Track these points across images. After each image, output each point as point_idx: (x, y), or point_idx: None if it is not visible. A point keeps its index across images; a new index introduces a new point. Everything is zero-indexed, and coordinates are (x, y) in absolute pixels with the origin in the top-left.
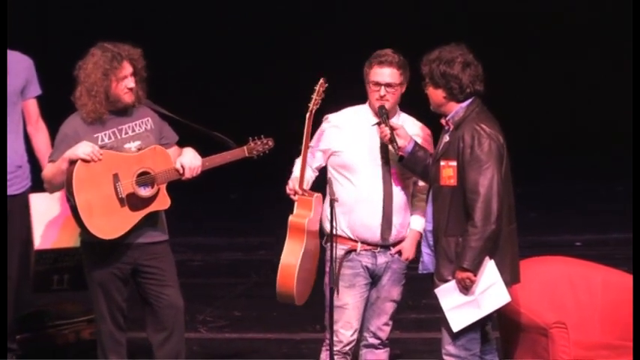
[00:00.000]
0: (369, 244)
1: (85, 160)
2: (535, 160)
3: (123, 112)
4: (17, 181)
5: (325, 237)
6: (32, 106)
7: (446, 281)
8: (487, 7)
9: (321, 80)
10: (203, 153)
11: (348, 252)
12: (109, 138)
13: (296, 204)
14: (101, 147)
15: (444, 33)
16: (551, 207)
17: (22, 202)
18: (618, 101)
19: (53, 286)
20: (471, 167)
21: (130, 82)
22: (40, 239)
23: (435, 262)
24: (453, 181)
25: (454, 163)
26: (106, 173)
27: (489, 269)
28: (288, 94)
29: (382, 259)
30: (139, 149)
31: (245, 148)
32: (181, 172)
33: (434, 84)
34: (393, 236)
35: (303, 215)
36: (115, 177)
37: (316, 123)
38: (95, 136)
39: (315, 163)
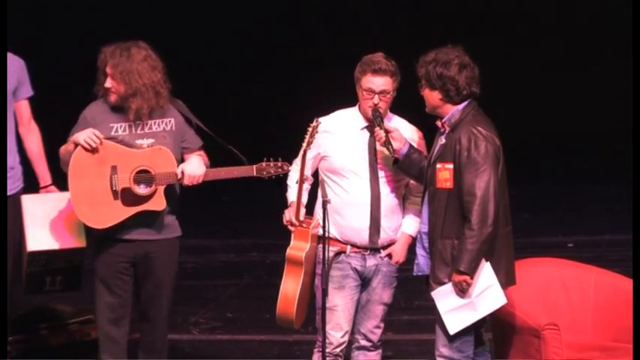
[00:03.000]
0: (357, 247)
1: (84, 147)
2: (527, 161)
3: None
4: (9, 182)
5: (317, 239)
6: (24, 107)
7: (442, 284)
8: (484, 8)
9: (315, 122)
10: (220, 162)
11: (338, 254)
12: (124, 130)
13: (293, 235)
14: (112, 137)
15: (440, 34)
16: (544, 208)
17: (14, 203)
18: (613, 102)
19: (45, 287)
20: (468, 170)
21: (108, 83)
22: (32, 241)
23: (431, 264)
24: (449, 184)
25: (450, 166)
26: (104, 163)
27: (486, 272)
28: (285, 95)
29: (372, 261)
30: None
31: (254, 167)
32: (179, 177)
33: (430, 86)
34: (382, 239)
35: (301, 248)
36: (113, 169)
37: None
38: (110, 125)
39: (308, 170)
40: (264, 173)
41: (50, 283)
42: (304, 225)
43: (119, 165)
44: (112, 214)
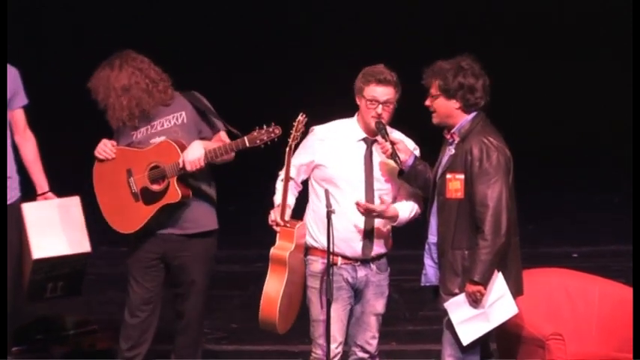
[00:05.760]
0: (348, 258)
1: (100, 159)
2: (532, 171)
3: (156, 108)
4: (7, 191)
5: (308, 250)
6: (19, 116)
7: (453, 294)
8: (482, 9)
9: (300, 116)
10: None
11: (332, 265)
12: (142, 134)
13: (278, 235)
14: (129, 143)
15: (439, 37)
16: (548, 218)
17: (13, 212)
18: (615, 112)
19: (47, 294)
20: (480, 180)
21: None
22: (37, 249)
23: (440, 275)
24: (460, 194)
25: (461, 176)
26: (120, 169)
27: (498, 282)
28: (288, 100)
29: (362, 272)
30: None
31: (246, 138)
32: (181, 166)
33: (447, 95)
34: (374, 251)
35: (285, 247)
36: (129, 172)
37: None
38: (131, 133)
39: (299, 177)
40: (258, 142)
41: (51, 289)
42: (288, 225)
43: (133, 167)
44: (137, 216)
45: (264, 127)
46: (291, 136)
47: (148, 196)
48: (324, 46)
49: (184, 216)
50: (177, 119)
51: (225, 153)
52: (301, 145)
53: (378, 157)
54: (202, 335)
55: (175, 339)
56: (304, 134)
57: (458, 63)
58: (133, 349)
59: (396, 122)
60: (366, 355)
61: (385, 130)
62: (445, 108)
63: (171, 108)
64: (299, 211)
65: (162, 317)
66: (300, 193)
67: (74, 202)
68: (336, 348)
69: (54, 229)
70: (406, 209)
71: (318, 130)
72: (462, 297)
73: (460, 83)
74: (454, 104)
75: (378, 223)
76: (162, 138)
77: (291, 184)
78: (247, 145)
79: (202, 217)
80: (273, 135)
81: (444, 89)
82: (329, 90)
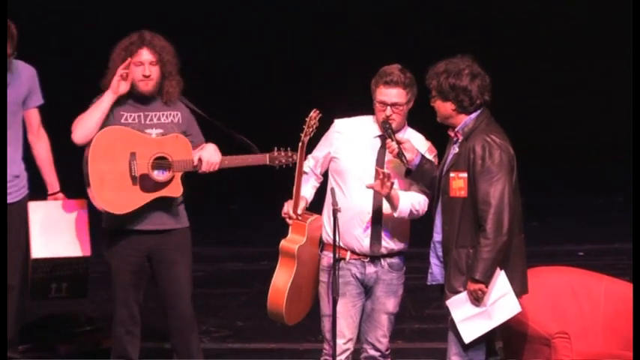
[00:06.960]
0: (357, 254)
1: (116, 88)
2: (537, 170)
3: (154, 101)
4: (15, 189)
5: (321, 245)
6: (34, 116)
7: (457, 292)
8: (488, 20)
9: (313, 113)
10: (225, 154)
11: (338, 260)
12: (134, 120)
13: (290, 228)
14: (124, 125)
15: (447, 44)
16: (554, 217)
17: (19, 209)
18: (619, 112)
19: (51, 294)
20: (482, 178)
21: (146, 70)
22: (37, 248)
23: (445, 273)
24: (463, 193)
25: (464, 175)
26: (124, 149)
27: (500, 280)
28: (298, 101)
29: (371, 269)
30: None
31: (267, 155)
32: (195, 164)
33: (442, 97)
34: (383, 248)
35: (295, 240)
36: (132, 155)
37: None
38: (122, 113)
39: (317, 169)
40: (276, 162)
41: (56, 290)
42: (301, 218)
43: (138, 151)
44: (131, 199)
45: (282, 150)
46: (304, 131)
47: (147, 184)
48: (346, 44)
49: (168, 211)
50: (174, 117)
51: (243, 165)
52: (322, 138)
53: (390, 156)
54: (199, 332)
55: (172, 339)
56: (318, 130)
57: (454, 64)
58: (127, 344)
59: (420, 121)
60: (377, 354)
61: (391, 129)
62: (443, 109)
63: (170, 105)
64: (318, 204)
65: (159, 316)
66: (321, 184)
67: (81, 205)
68: (344, 344)
69: (56, 229)
70: (407, 199)
71: (338, 123)
72: (463, 295)
73: (452, 86)
74: (450, 106)
75: (388, 221)
76: (159, 131)
77: (310, 176)
78: (267, 163)
79: (181, 215)
80: (290, 161)
81: (438, 91)
82: (352, 89)
